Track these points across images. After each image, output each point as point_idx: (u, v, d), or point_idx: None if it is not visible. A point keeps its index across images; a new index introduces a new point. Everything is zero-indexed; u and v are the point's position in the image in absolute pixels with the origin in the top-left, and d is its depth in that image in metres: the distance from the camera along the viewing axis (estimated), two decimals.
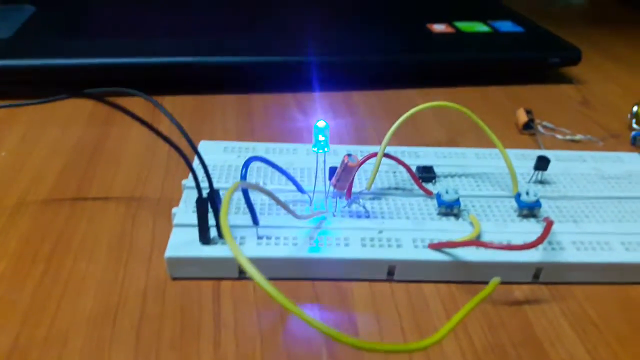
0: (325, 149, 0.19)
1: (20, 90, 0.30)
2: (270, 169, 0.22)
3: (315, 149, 0.19)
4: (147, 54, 0.31)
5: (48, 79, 0.30)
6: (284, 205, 0.18)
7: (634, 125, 0.30)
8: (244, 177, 0.18)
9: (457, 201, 0.20)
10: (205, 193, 0.18)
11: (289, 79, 0.33)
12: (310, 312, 0.18)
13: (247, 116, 0.30)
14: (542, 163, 0.23)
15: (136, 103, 0.19)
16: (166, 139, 0.16)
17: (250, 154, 0.24)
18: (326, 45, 0.34)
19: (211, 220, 0.18)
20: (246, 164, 0.19)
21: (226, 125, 0.29)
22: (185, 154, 0.17)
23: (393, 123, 0.21)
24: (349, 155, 0.19)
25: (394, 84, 0.34)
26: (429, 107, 0.21)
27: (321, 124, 0.19)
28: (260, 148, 0.25)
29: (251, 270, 0.12)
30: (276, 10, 0.41)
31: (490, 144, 0.22)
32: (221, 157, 0.24)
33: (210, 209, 0.18)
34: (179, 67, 0.31)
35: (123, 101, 0.30)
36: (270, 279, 0.18)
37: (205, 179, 0.18)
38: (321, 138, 0.19)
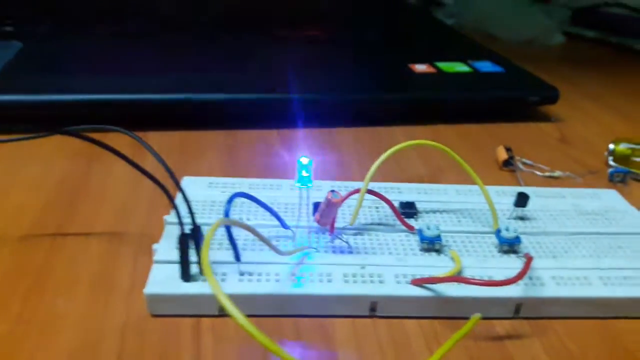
0: (309, 185, 0.20)
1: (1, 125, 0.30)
2: (254, 204, 0.22)
3: (299, 184, 0.20)
4: (132, 91, 0.31)
5: (34, 115, 0.30)
6: (266, 242, 0.18)
7: (611, 162, 0.31)
8: (227, 213, 0.18)
9: (438, 237, 0.20)
10: (187, 229, 0.18)
11: (273, 116, 0.33)
12: (291, 350, 0.17)
13: (231, 152, 0.30)
14: (521, 199, 0.23)
15: (121, 139, 0.20)
16: (148, 175, 0.16)
17: (234, 190, 0.24)
18: (310, 83, 0.34)
19: (193, 257, 0.18)
20: (229, 200, 0.19)
21: (211, 161, 0.29)
22: (168, 190, 0.17)
23: (376, 159, 0.21)
24: (332, 191, 0.19)
25: (377, 122, 0.34)
26: (411, 145, 0.21)
27: (304, 160, 0.20)
28: (244, 184, 0.25)
29: (230, 308, 0.12)
30: (261, 49, 0.41)
31: (471, 181, 0.23)
32: (205, 192, 0.24)
33: (192, 246, 0.18)
34: (163, 104, 0.31)
35: (108, 137, 0.30)
36: (252, 316, 0.18)
37: (188, 215, 0.18)
38: (305, 174, 0.20)
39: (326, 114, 0.34)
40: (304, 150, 0.31)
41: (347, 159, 0.30)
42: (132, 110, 0.31)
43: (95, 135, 0.17)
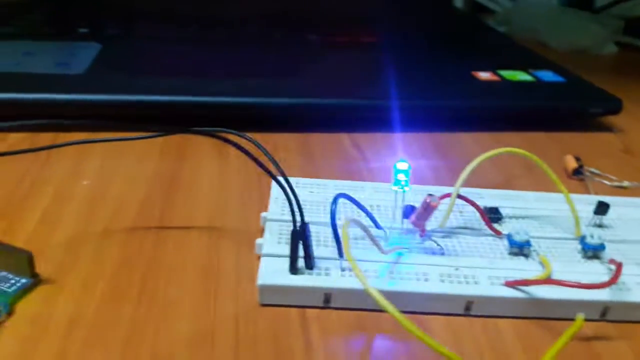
0: (405, 188, 0.21)
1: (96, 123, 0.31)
2: (341, 203, 0.23)
3: (396, 187, 0.21)
4: (211, 94, 0.33)
5: (122, 114, 0.32)
6: (374, 241, 0.19)
7: None
8: (333, 213, 0.20)
9: (528, 242, 0.21)
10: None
11: (344, 120, 0.34)
12: (395, 344, 0.19)
13: (308, 154, 0.31)
14: (602, 208, 0.24)
15: (204, 140, 0.21)
16: (273, 176, 0.17)
17: (320, 191, 0.25)
18: (377, 89, 0.35)
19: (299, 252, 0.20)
20: (334, 201, 0.20)
21: (290, 163, 0.30)
22: (287, 190, 0.18)
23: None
24: (430, 195, 0.20)
25: (443, 128, 0.35)
26: (503, 153, 0.22)
27: (402, 165, 0.21)
28: (329, 185, 0.26)
29: (384, 302, 0.13)
30: (321, 54, 0.43)
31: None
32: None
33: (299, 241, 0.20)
34: (243, 107, 0.33)
35: (192, 138, 0.31)
36: (353, 309, 0.20)
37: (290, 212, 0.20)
38: (401, 177, 0.21)
39: (395, 120, 0.35)
40: (375, 154, 0.32)
41: (420, 163, 0.31)
42: (212, 112, 0.32)
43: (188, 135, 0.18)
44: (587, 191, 0.30)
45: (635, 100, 0.45)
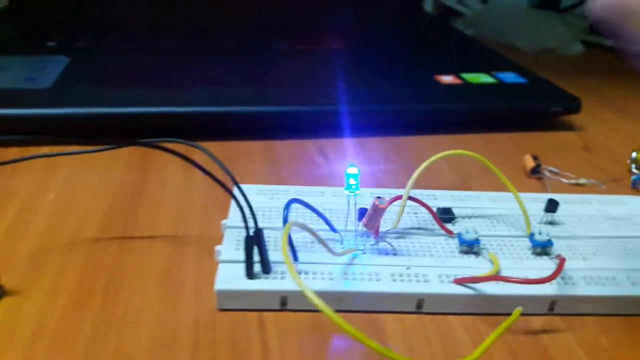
0: (356, 192, 0.22)
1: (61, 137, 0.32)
2: (301, 209, 0.24)
3: (347, 192, 0.22)
4: (178, 104, 0.33)
5: (87, 127, 0.32)
6: (324, 243, 0.20)
7: (634, 170, 0.33)
8: (285, 217, 0.20)
9: (477, 240, 0.22)
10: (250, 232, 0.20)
11: (307, 127, 0.35)
12: (350, 342, 0.19)
13: (272, 161, 0.32)
14: (552, 205, 0.25)
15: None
16: (222, 184, 0.18)
17: (282, 196, 0.26)
18: (341, 95, 0.36)
19: (254, 257, 0.20)
20: (287, 206, 0.21)
21: (254, 170, 0.31)
22: (237, 197, 0.19)
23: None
24: (379, 197, 0.21)
25: (405, 132, 0.36)
26: (450, 155, 0.23)
27: (353, 169, 0.21)
28: (290, 191, 0.26)
29: (319, 303, 0.14)
30: (285, 61, 0.43)
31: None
32: (256, 199, 0.26)
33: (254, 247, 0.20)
34: (208, 116, 0.33)
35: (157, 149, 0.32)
36: (309, 310, 0.20)
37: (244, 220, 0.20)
38: (352, 182, 0.22)
39: (358, 125, 0.35)
40: (339, 158, 0.33)
41: (380, 166, 0.32)
42: (177, 122, 0.33)
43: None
44: (544, 190, 0.31)
45: (597, 98, 0.46)
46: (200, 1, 0.55)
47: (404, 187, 0.25)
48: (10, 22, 0.51)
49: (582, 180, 0.32)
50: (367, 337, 0.14)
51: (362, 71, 0.40)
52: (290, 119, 0.35)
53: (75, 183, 0.28)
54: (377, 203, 0.21)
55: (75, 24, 0.50)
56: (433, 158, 0.23)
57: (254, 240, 0.20)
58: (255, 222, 0.20)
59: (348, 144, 0.35)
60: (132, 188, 0.28)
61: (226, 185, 0.19)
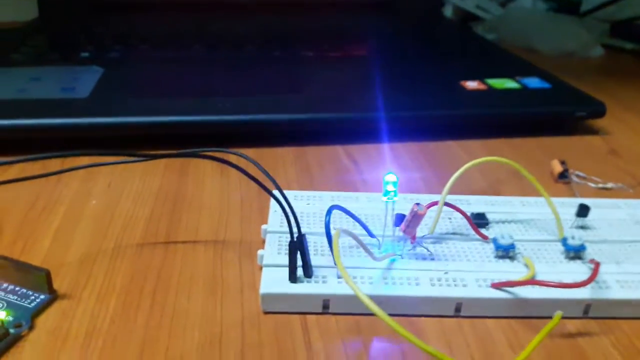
0: (395, 198, 0.22)
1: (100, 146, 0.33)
2: (337, 214, 0.25)
3: (385, 198, 0.22)
4: (212, 112, 0.34)
5: (126, 135, 0.33)
6: (366, 249, 0.20)
7: None
8: (327, 224, 0.21)
9: (512, 245, 0.23)
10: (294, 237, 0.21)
11: (337, 133, 0.36)
12: (391, 345, 0.20)
13: (304, 168, 0.33)
14: (583, 210, 0.25)
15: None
16: (269, 192, 0.19)
17: (318, 202, 0.27)
18: (371, 103, 0.37)
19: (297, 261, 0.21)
20: (328, 212, 0.21)
21: (288, 177, 0.32)
22: (282, 204, 0.20)
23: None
24: (418, 204, 0.22)
25: (433, 138, 0.37)
26: (484, 162, 0.24)
27: (391, 177, 0.22)
28: (326, 197, 0.27)
29: (374, 307, 0.15)
30: (312, 69, 0.44)
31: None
32: (293, 204, 0.26)
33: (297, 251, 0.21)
34: (242, 124, 0.34)
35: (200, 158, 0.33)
36: (350, 314, 0.21)
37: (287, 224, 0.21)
38: (390, 188, 0.22)
39: (387, 131, 0.36)
40: (369, 165, 0.34)
41: (412, 173, 0.33)
42: (211, 130, 0.34)
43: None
44: (572, 194, 0.31)
45: (620, 102, 0.46)
46: (227, 12, 0.56)
47: (435, 192, 0.26)
48: (41, 33, 0.53)
49: (610, 185, 0.32)
50: (424, 342, 0.15)
51: (388, 78, 0.41)
52: (320, 126, 0.35)
53: (117, 189, 0.29)
54: (416, 209, 0.21)
55: (106, 35, 0.51)
56: (468, 165, 0.24)
57: (297, 245, 0.21)
58: (299, 228, 0.21)
59: (377, 150, 0.35)
60: (171, 194, 0.29)
61: (270, 190, 0.20)
